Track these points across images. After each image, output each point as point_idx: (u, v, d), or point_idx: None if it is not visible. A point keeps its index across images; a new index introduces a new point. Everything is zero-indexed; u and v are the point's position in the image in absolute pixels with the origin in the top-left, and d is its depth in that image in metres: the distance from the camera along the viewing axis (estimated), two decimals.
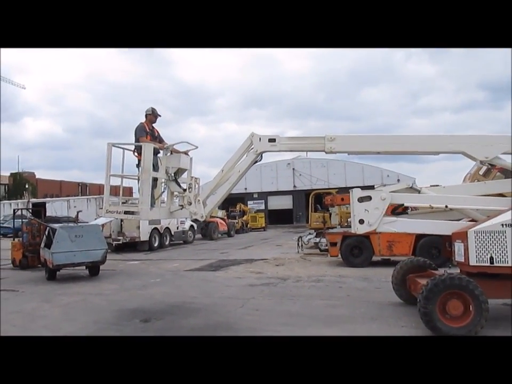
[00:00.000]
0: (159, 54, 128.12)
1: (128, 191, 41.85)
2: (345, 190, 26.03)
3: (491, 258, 5.69)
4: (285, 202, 52.80)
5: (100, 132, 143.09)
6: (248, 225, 36.91)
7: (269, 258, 14.96)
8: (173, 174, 7.39)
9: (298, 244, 16.83)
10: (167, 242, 21.65)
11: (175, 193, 7.61)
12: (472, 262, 5.75)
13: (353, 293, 8.52)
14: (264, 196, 53.43)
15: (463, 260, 5.92)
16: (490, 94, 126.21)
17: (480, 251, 5.72)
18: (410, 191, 6.64)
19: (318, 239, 16.31)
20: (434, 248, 11.69)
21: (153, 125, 8.23)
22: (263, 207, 51.87)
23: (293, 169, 52.23)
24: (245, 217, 36.83)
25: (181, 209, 7.35)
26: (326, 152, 6.75)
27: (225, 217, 30.60)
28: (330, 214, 19.36)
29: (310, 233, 17.35)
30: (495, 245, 5.68)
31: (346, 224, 17.52)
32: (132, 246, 19.83)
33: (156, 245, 20.54)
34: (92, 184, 72.64)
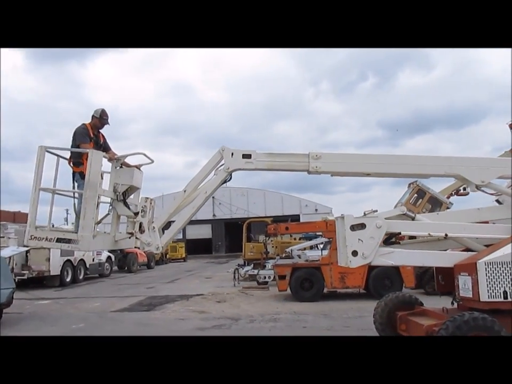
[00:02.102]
0: (68, 74, 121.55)
1: (25, 218, 37.63)
2: (281, 218, 25.53)
3: (505, 292, 5.02)
4: (204, 232, 51.27)
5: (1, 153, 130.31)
6: (168, 256, 34.76)
7: (206, 294, 13.49)
8: (121, 193, 5.92)
9: (234, 277, 15.56)
10: (81, 277, 19.09)
11: (122, 217, 6.13)
12: (484, 297, 5.02)
13: (323, 334, 7.47)
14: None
15: (471, 296, 5.18)
16: (388, 132, 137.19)
17: (493, 285, 5.02)
18: (404, 218, 5.85)
19: (255, 271, 15.24)
20: (387, 279, 11.22)
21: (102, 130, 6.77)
22: (181, 236, 49.78)
23: (213, 197, 51.01)
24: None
25: (130, 237, 5.87)
26: (310, 172, 5.78)
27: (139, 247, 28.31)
28: (264, 244, 18.39)
29: (247, 265, 16.20)
30: (508, 277, 5.02)
31: (284, 254, 16.74)
32: (39, 281, 17.11)
33: (68, 279, 17.92)
34: None
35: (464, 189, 26.62)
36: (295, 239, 20.93)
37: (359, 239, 5.49)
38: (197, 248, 49.31)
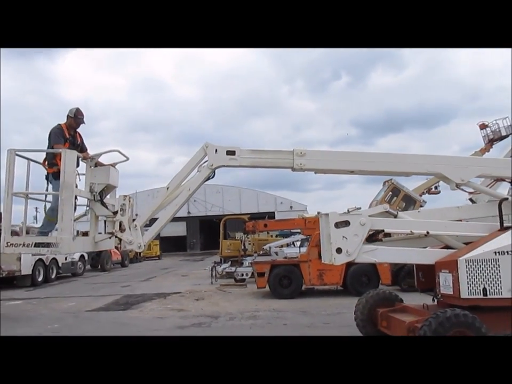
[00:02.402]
0: (36, 69, 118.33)
1: None
2: (256, 215, 25.57)
3: (484, 289, 5.13)
4: (178, 229, 50.73)
5: None
6: (142, 254, 34.25)
7: (183, 292, 13.36)
8: (98, 193, 5.77)
9: (212, 274, 15.46)
10: (53, 276, 18.57)
11: (100, 218, 5.98)
12: (464, 294, 5.13)
13: (304, 332, 7.49)
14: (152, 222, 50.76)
15: (451, 292, 5.28)
16: (361, 131, 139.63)
17: (473, 282, 5.13)
18: (387, 215, 5.91)
19: (233, 269, 15.19)
20: (364, 276, 11.35)
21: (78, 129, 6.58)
22: None
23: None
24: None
25: (110, 237, 5.73)
26: (294, 169, 5.77)
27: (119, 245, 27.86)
28: (241, 241, 18.36)
29: (224, 262, 16.13)
30: (487, 275, 5.13)
31: (262, 251, 16.74)
32: (10, 281, 16.55)
33: (40, 279, 17.39)
34: None
35: (436, 187, 27.38)
36: (271, 236, 20.97)
37: (343, 237, 5.51)
38: (171, 245, 48.85)
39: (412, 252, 5.73)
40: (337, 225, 5.57)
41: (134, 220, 5.64)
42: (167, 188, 5.70)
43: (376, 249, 5.63)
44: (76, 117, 6.43)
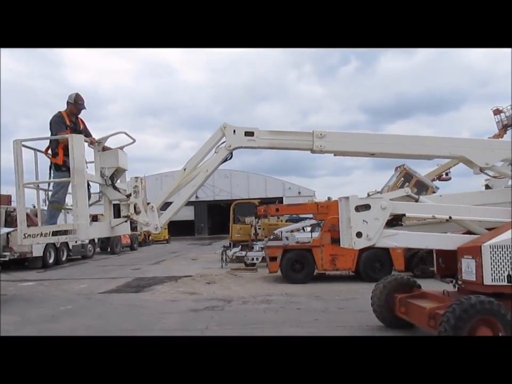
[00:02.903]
0: (45, 54, 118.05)
1: (6, 200, 36.46)
2: (265, 200, 25.43)
3: (509, 276, 5.00)
4: (186, 213, 50.73)
5: None
6: (150, 238, 34.38)
7: (194, 275, 13.34)
8: (109, 177, 5.67)
9: (222, 258, 15.44)
10: (64, 258, 18.71)
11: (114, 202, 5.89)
12: (487, 281, 5.00)
13: (319, 316, 7.41)
14: (164, 206, 50.76)
15: (474, 279, 5.15)
16: (371, 117, 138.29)
17: (497, 268, 5.00)
18: (408, 199, 5.77)
19: (243, 253, 15.14)
20: (377, 262, 11.24)
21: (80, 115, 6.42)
22: None
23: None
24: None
25: (126, 221, 5.65)
26: (314, 151, 5.63)
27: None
28: (251, 226, 18.26)
29: (234, 247, 16.08)
30: None
31: (272, 236, 16.64)
32: (21, 263, 16.68)
33: (51, 261, 17.55)
34: None
35: (447, 174, 27.06)
36: (281, 221, 20.86)
37: (363, 220, 5.39)
38: (179, 229, 48.91)
39: (434, 237, 5.59)
40: (358, 209, 5.45)
41: (149, 203, 5.56)
42: (184, 169, 5.60)
43: (396, 234, 5.51)
44: (76, 103, 6.24)
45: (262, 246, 15.03)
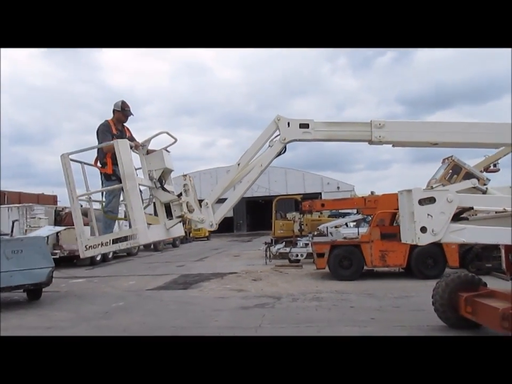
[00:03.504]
0: (84, 58, 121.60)
1: (52, 200, 37.59)
2: (305, 196, 25.26)
3: None
4: None
5: (19, 138, 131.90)
6: (191, 235, 34.74)
7: (239, 272, 13.29)
8: (157, 180, 5.59)
9: (266, 255, 15.32)
10: (110, 255, 19.12)
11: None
12: None
13: (374, 315, 7.15)
14: None
15: None
16: (409, 108, 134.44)
17: None
18: (474, 191, 5.41)
19: (287, 249, 14.95)
20: (430, 258, 10.79)
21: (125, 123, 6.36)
22: None
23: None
24: (187, 226, 34.57)
25: (181, 221, 5.58)
26: (372, 142, 5.35)
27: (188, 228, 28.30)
28: (293, 222, 18.07)
29: (278, 243, 15.92)
30: None
31: (317, 232, 16.40)
32: (70, 260, 17.16)
33: (98, 258, 17.91)
34: (11, 193, 66.12)
35: (495, 165, 25.87)
36: (324, 216, 20.54)
37: (428, 214, 5.09)
38: (218, 226, 49.31)
39: (505, 232, 5.20)
40: (421, 202, 5.15)
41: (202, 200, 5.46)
42: (238, 164, 5.46)
43: (464, 229, 5.17)
44: (123, 110, 6.17)
45: (306, 242, 14.83)
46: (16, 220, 13.75)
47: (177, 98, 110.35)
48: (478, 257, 11.22)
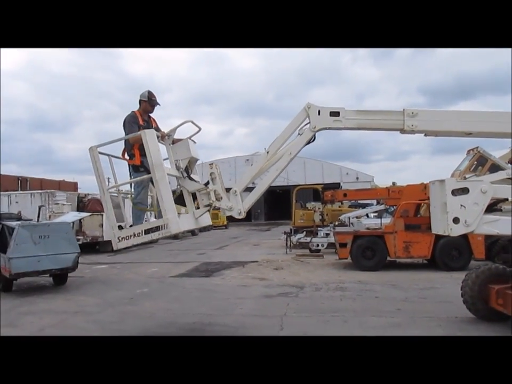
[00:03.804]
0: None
1: (73, 187, 37.94)
2: (327, 186, 25.09)
3: None
4: None
5: (41, 125, 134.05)
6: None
7: (260, 261, 13.31)
8: (184, 169, 5.58)
9: (286, 244, 15.30)
10: None
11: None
12: None
13: (401, 306, 7.08)
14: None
15: None
16: (430, 99, 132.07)
17: None
18: (508, 182, 5.28)
19: (308, 239, 14.91)
20: (455, 249, 10.64)
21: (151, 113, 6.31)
22: None
23: (251, 165, 50.46)
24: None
25: (209, 210, 5.59)
26: (404, 131, 5.24)
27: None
28: (314, 211, 17.97)
29: (299, 232, 15.88)
30: None
31: (338, 222, 16.31)
32: (93, 246, 17.43)
33: None
34: (32, 179, 67.28)
35: None
36: (344, 207, 20.39)
37: (461, 205, 4.99)
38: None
39: None
40: (454, 192, 5.05)
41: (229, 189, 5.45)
42: (267, 152, 5.43)
43: (498, 220, 5.07)
44: (149, 100, 6.11)
45: (327, 232, 14.76)
46: (43, 206, 13.98)
47: (196, 87, 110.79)
48: (505, 249, 11.00)
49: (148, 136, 4.98)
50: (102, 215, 17.07)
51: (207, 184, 5.46)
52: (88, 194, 20.19)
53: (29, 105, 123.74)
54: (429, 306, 7.07)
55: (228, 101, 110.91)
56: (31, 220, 12.75)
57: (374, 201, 26.20)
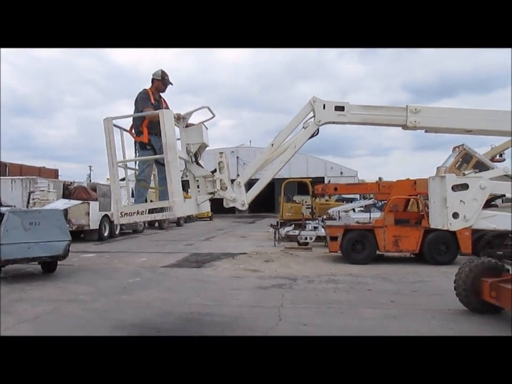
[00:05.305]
0: None
1: (54, 174, 37.30)
2: (316, 180, 25.23)
3: None
4: None
5: (21, 110, 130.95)
6: (194, 214, 34.81)
7: (249, 253, 13.37)
8: (193, 154, 5.57)
9: (275, 236, 15.39)
10: (117, 232, 19.23)
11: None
12: None
13: (394, 298, 7.23)
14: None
15: None
16: (414, 96, 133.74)
17: None
18: (505, 179, 5.43)
19: (296, 232, 15.03)
20: (443, 244, 10.88)
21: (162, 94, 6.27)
22: None
23: (237, 157, 50.42)
24: None
25: (212, 197, 5.59)
26: (407, 127, 5.34)
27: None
28: (302, 205, 18.11)
29: (286, 225, 15.98)
30: None
31: (327, 215, 16.45)
32: (78, 235, 17.21)
33: (105, 234, 18.08)
34: (12, 164, 65.83)
35: (501, 155, 25.81)
36: (331, 201, 20.56)
37: (460, 201, 5.12)
38: (220, 207, 49.18)
39: None
40: (454, 188, 5.18)
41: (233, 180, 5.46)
42: (272, 145, 5.45)
43: (496, 216, 5.22)
44: (163, 79, 6.07)
45: (315, 225, 14.91)
46: (32, 192, 13.71)
47: (182, 76, 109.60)
48: (490, 244, 11.29)
49: (166, 117, 4.90)
50: (89, 203, 16.90)
51: (214, 172, 5.46)
52: (74, 182, 19.92)
53: (8, 89, 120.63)
54: (421, 299, 7.24)
55: (213, 92, 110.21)
56: (13, 206, 12.48)
57: (358, 196, 26.54)
